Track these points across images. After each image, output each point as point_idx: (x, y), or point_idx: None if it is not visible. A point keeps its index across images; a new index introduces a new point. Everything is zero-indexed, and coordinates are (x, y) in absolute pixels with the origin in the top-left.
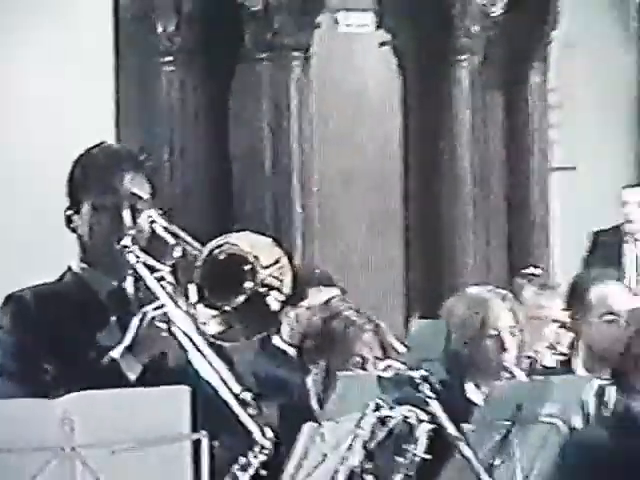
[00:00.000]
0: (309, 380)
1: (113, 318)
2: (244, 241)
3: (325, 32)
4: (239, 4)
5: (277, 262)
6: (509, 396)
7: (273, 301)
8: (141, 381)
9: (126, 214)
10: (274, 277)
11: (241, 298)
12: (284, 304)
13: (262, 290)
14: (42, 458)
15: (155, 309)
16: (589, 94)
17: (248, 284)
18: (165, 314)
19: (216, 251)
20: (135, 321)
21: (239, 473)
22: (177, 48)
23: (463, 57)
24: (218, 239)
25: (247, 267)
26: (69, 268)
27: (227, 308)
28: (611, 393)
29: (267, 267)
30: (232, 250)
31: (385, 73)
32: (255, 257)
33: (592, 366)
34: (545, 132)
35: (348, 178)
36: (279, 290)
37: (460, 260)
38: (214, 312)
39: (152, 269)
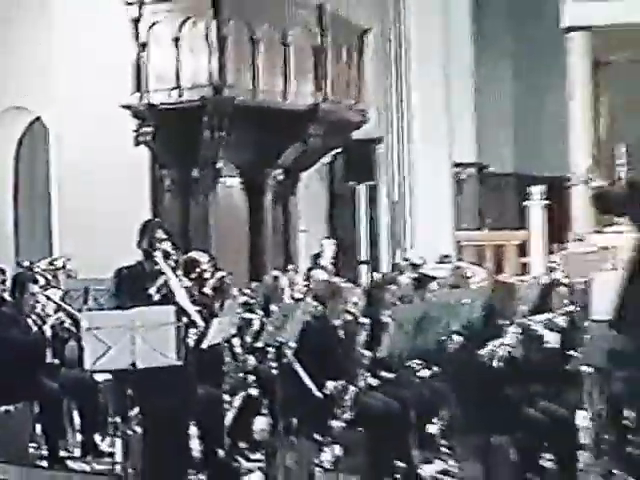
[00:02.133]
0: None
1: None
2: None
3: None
4: None
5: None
6: (288, 307)
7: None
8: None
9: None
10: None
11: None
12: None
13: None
14: (120, 333)
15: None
16: (311, 210)
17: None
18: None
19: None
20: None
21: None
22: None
23: (266, 195)
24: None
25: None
26: (138, 261)
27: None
28: None
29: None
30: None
31: (243, 198)
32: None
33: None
34: (297, 218)
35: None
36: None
37: (268, 262)
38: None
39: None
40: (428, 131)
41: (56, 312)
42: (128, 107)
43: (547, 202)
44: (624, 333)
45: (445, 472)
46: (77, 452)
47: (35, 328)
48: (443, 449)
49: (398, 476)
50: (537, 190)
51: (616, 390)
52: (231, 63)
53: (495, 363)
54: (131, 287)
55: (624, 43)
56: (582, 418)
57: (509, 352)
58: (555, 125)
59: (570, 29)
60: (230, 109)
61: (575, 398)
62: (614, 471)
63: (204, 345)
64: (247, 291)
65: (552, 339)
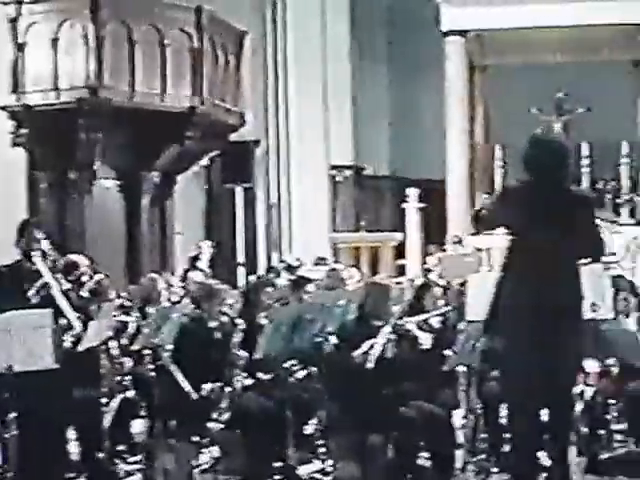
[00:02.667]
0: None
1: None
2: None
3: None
4: None
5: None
6: (165, 310)
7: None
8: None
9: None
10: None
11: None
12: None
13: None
14: None
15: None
16: (189, 213)
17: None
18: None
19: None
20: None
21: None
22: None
23: (143, 197)
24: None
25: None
26: (17, 260)
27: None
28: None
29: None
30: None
31: (120, 200)
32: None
33: None
34: (174, 220)
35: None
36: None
37: (145, 264)
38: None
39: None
40: (305, 133)
41: None
42: (4, 108)
43: (423, 205)
44: (497, 333)
45: (323, 472)
46: None
47: None
48: (321, 449)
49: (276, 477)
50: (413, 192)
51: (490, 389)
52: (108, 64)
53: (369, 364)
54: (9, 287)
55: (500, 48)
56: (458, 417)
57: (382, 352)
58: (432, 129)
59: (448, 33)
60: (107, 111)
61: (451, 397)
62: (490, 469)
63: (81, 348)
64: (124, 294)
65: (425, 340)
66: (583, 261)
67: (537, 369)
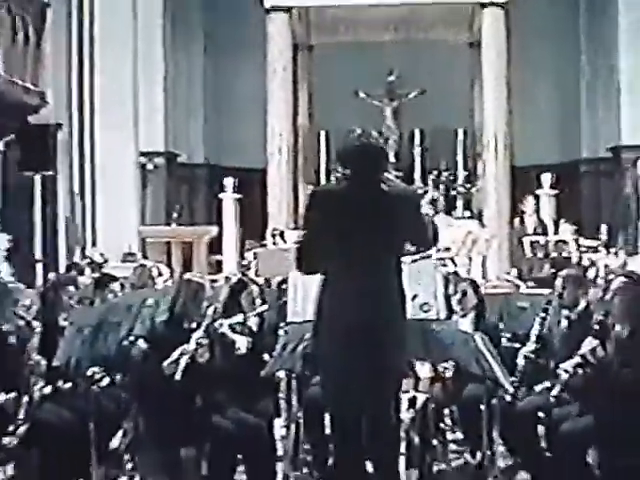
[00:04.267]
0: None
1: None
2: None
3: None
4: None
5: None
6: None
7: None
8: None
9: None
10: None
11: None
12: None
13: None
14: None
15: None
16: None
17: None
18: None
19: None
20: None
21: None
22: None
23: None
24: None
25: None
26: None
27: None
28: None
29: None
30: None
31: None
32: None
33: None
34: None
35: None
36: None
37: None
38: None
39: None
40: (112, 117)
41: None
42: None
43: (241, 195)
44: (319, 337)
45: None
46: None
47: None
48: (128, 464)
49: None
50: (230, 182)
51: (313, 396)
52: None
53: (178, 375)
54: None
55: (326, 26)
56: (279, 427)
57: (192, 359)
58: (253, 113)
59: (271, 10)
60: None
61: (270, 405)
62: None
63: None
64: None
65: (242, 343)
66: (412, 257)
67: (356, 375)
